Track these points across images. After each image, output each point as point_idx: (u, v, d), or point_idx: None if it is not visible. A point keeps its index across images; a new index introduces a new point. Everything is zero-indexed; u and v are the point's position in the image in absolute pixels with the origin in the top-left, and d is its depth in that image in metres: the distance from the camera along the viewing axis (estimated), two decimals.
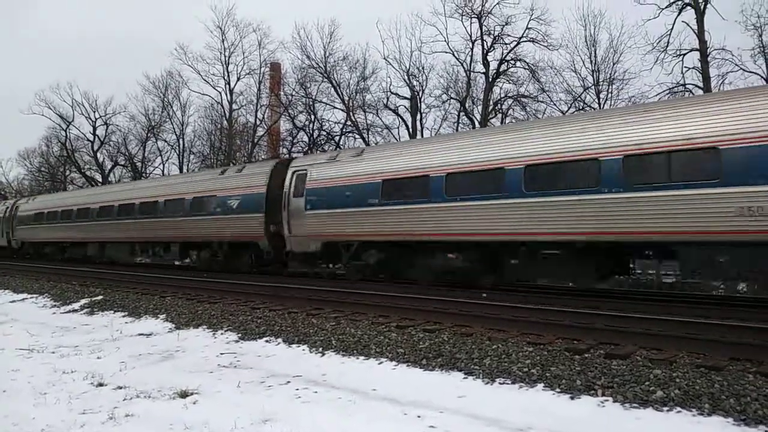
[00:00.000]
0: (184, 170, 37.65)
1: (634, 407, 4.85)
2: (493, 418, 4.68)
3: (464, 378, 5.94)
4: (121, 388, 5.76)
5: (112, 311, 11.49)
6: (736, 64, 18.15)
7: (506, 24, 23.71)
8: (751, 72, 18.13)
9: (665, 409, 4.77)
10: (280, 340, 8.06)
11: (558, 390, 5.37)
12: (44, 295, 14.90)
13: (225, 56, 34.85)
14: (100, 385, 5.92)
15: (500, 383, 5.70)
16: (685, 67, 18.84)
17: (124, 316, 10.87)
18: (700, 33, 18.56)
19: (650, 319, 7.82)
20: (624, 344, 6.46)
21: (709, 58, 18.42)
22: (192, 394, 5.48)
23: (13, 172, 54.48)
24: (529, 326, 7.59)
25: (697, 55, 18.69)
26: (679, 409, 4.74)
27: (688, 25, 18.78)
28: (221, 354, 7.42)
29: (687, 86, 18.91)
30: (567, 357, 6.14)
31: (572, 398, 5.17)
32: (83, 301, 13.06)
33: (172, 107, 38.11)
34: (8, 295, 15.91)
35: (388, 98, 26.76)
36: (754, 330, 6.93)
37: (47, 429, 4.53)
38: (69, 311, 12.27)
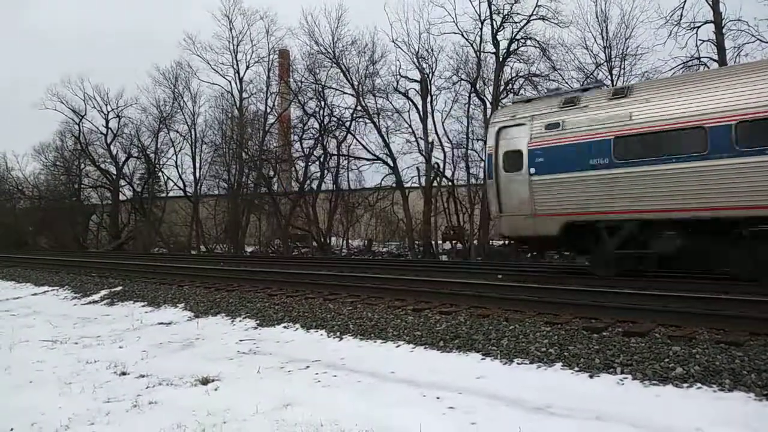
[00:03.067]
0: (197, 160, 37.81)
1: (654, 384, 4.84)
2: (512, 398, 4.70)
3: (482, 359, 5.96)
4: (143, 376, 5.85)
5: (132, 301, 11.65)
6: (753, 35, 17.71)
7: (515, 2, 23.33)
8: None
9: (685, 385, 4.75)
10: (298, 325, 8.13)
11: (576, 369, 5.37)
12: (65, 287, 15.14)
13: (233, 45, 34.74)
14: (123, 374, 6.02)
15: (518, 363, 5.71)
16: (700, 39, 18.44)
17: (143, 306, 11.02)
18: (715, 4, 18.14)
19: (668, 296, 7.78)
20: (642, 322, 6.43)
21: (724, 30, 18.00)
22: (213, 380, 5.56)
23: (29, 168, 55.07)
24: (545, 306, 7.57)
25: (711, 27, 18.28)
26: (699, 385, 4.73)
27: None
28: (240, 341, 7.51)
29: (702, 59, 18.55)
30: (585, 336, 6.13)
31: (591, 377, 5.17)
32: (103, 292, 13.25)
33: (182, 98, 38.10)
34: (30, 288, 16.19)
35: (398, 82, 26.51)
36: None
37: (73, 418, 4.62)
38: (89, 302, 12.46)
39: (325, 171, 29.66)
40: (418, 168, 26.92)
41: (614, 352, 5.57)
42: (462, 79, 25.29)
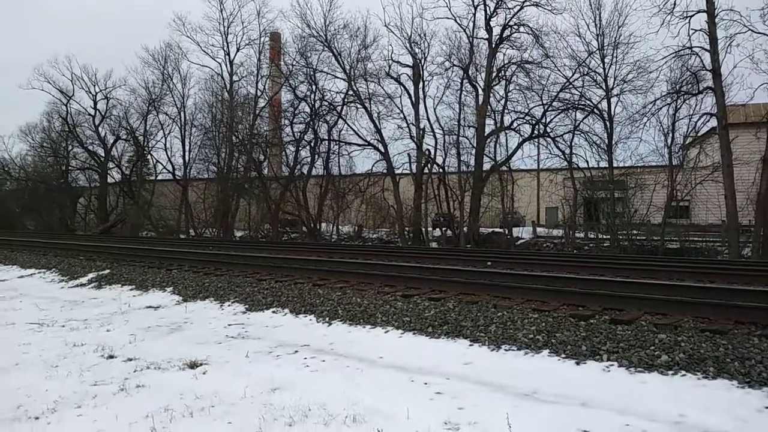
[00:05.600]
0: (186, 143, 37.46)
1: (640, 371, 4.89)
2: (499, 383, 4.73)
3: (470, 345, 5.99)
4: (131, 359, 5.84)
5: (120, 285, 11.59)
6: (745, 25, 17.62)
7: None
8: (760, 33, 17.60)
9: (670, 372, 4.81)
10: (287, 310, 8.13)
11: (563, 356, 5.42)
12: (52, 270, 15.04)
13: (224, 26, 34.36)
14: (111, 357, 6.00)
15: (506, 350, 5.75)
16: (692, 29, 18.36)
17: (131, 290, 10.98)
18: None
19: (655, 285, 7.85)
20: (629, 310, 6.49)
21: (716, 20, 17.97)
22: (201, 364, 5.55)
23: (15, 148, 54.46)
24: (533, 293, 7.61)
25: (704, 16, 18.21)
26: (684, 372, 4.78)
27: None
28: (229, 325, 7.50)
29: (693, 49, 18.57)
30: (572, 323, 6.18)
31: (578, 363, 5.22)
32: (90, 276, 13.18)
33: (172, 80, 37.60)
34: (16, 271, 16.07)
35: (390, 67, 26.24)
36: (759, 293, 6.94)
37: (60, 401, 4.60)
38: (77, 285, 12.39)
39: (316, 156, 29.47)
40: (409, 154, 26.85)
41: (601, 340, 5.62)
42: (454, 65, 25.11)
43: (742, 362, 4.79)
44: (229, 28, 34.42)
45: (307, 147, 29.58)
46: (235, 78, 34.80)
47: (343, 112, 28.17)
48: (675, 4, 18.26)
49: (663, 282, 8.31)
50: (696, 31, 18.23)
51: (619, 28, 21.81)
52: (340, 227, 30.50)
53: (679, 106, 19.95)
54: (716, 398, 4.25)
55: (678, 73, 19.44)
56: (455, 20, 24.57)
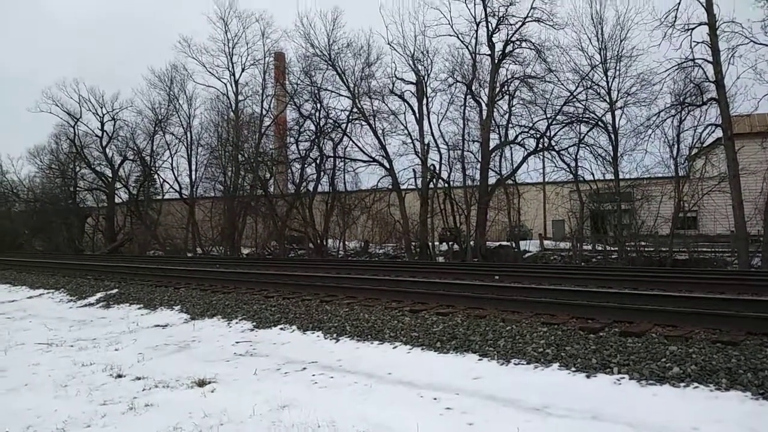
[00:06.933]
0: (193, 162, 37.71)
1: (651, 384, 4.84)
2: (509, 398, 4.70)
3: (479, 360, 5.96)
4: (139, 378, 5.83)
5: (128, 304, 11.61)
6: (746, 37, 17.65)
7: (510, 4, 23.24)
8: (761, 44, 17.61)
9: (682, 385, 4.76)
10: (294, 327, 8.11)
11: (574, 369, 5.37)
12: (60, 290, 15.09)
13: (229, 47, 34.75)
14: (119, 376, 6.00)
15: (515, 364, 5.71)
16: (694, 41, 18.40)
17: (139, 309, 10.99)
18: (708, 5, 18.12)
19: (665, 296, 7.80)
20: (639, 322, 6.45)
21: (718, 32, 18.00)
22: (210, 382, 5.54)
23: (24, 170, 54.90)
24: (542, 307, 7.57)
25: (705, 29, 18.28)
26: (696, 384, 4.73)
27: None
28: (237, 343, 7.49)
29: (696, 61, 18.59)
30: (582, 336, 6.13)
31: (588, 377, 5.17)
32: (99, 295, 13.21)
33: (178, 100, 37.91)
34: (25, 291, 16.13)
35: (393, 84, 26.43)
36: None
37: (69, 420, 4.60)
38: (85, 305, 12.42)
39: (322, 173, 29.61)
40: (414, 170, 26.90)
41: (611, 352, 5.58)
42: (458, 81, 25.22)
43: (756, 373, 4.73)
44: (234, 49, 34.83)
45: (313, 164, 29.73)
46: (240, 97, 35.13)
47: (348, 130, 28.33)
48: (676, 17, 18.33)
49: (672, 293, 8.25)
50: (698, 43, 18.26)
51: (621, 41, 21.88)
52: (346, 243, 30.48)
53: (683, 118, 19.95)
54: (729, 410, 4.20)
55: (681, 85, 19.45)
56: (458, 37, 24.75)
